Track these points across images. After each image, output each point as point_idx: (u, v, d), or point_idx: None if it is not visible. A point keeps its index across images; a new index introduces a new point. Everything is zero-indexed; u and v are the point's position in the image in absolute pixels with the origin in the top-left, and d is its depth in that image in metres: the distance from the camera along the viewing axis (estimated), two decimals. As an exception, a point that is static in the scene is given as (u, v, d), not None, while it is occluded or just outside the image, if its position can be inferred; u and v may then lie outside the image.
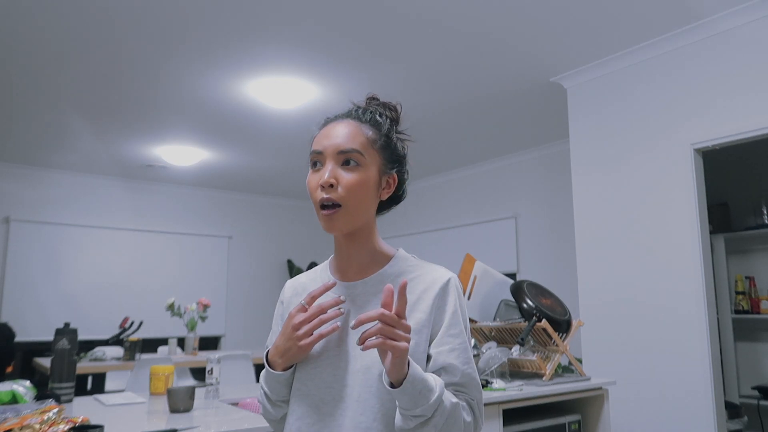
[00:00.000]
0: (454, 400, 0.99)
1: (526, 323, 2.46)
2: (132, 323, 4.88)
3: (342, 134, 1.06)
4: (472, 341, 2.78)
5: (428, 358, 1.04)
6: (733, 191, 4.32)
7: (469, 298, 2.70)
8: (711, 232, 3.89)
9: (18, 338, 5.50)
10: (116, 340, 4.78)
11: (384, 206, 1.14)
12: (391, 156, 1.11)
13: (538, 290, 2.63)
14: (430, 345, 1.04)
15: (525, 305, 2.50)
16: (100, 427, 1.45)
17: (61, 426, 1.41)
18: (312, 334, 1.01)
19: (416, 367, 0.93)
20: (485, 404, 2.12)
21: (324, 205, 1.04)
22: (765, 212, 4.05)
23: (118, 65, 3.63)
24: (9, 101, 4.24)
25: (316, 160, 1.07)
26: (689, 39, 3.16)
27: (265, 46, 3.35)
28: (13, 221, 5.92)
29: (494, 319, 2.73)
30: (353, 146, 1.05)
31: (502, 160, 5.71)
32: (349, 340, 1.05)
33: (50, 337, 2.36)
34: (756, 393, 3.94)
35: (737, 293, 4.12)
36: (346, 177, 1.03)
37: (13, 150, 5.48)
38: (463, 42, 3.30)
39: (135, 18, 3.04)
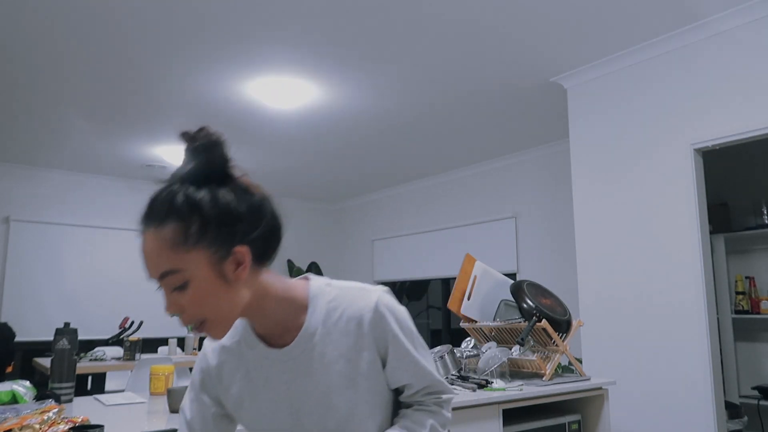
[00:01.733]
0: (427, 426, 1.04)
1: (526, 323, 2.46)
2: (132, 323, 4.87)
3: (148, 258, 0.85)
4: (471, 341, 2.78)
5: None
6: (733, 191, 4.32)
7: (469, 298, 2.70)
8: (711, 232, 3.89)
9: (18, 338, 5.50)
10: (116, 340, 4.78)
11: (262, 257, 0.93)
12: (222, 230, 0.86)
13: (538, 290, 2.63)
14: (384, 367, 1.03)
15: (525, 305, 2.50)
16: (100, 427, 1.45)
17: (61, 426, 1.41)
18: None
19: None
20: (485, 404, 2.13)
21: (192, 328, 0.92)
22: (765, 212, 4.04)
23: (118, 65, 3.63)
24: (9, 101, 4.24)
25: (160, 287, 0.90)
26: (689, 39, 3.16)
27: (265, 46, 3.35)
28: (13, 221, 5.92)
29: (494, 319, 2.73)
30: (168, 267, 0.84)
31: (502, 160, 5.71)
32: (302, 408, 1.00)
33: (50, 337, 2.36)
34: (756, 393, 3.94)
35: (737, 293, 4.12)
36: (184, 301, 0.86)
37: (13, 150, 5.48)
38: (463, 42, 3.30)
39: (135, 18, 3.04)
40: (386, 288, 1.05)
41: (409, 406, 1.08)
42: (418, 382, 1.04)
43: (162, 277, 0.85)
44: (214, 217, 0.85)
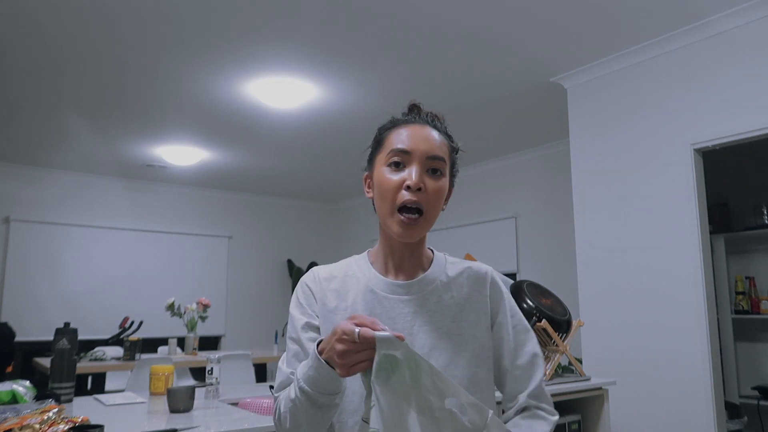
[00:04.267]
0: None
1: (526, 323, 2.46)
2: (132, 323, 4.88)
3: (431, 139, 1.06)
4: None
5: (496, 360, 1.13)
6: (733, 191, 4.32)
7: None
8: (711, 232, 3.89)
9: (18, 338, 5.50)
10: (116, 340, 4.78)
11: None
12: (455, 169, 1.14)
13: (538, 290, 2.63)
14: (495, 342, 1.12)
15: (525, 305, 2.50)
16: (100, 427, 1.45)
17: (61, 426, 1.41)
18: (353, 368, 0.87)
19: None
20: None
21: (408, 208, 1.02)
22: (765, 212, 4.04)
23: (118, 65, 3.63)
24: (9, 101, 4.24)
25: (400, 160, 1.05)
26: (689, 39, 3.16)
27: (265, 46, 3.35)
28: (13, 221, 5.92)
29: (494, 319, 2.72)
30: (441, 154, 1.06)
31: (502, 160, 5.71)
32: (415, 342, 1.04)
33: (50, 337, 2.36)
34: (756, 393, 3.94)
35: (737, 293, 4.12)
36: (433, 184, 1.04)
37: (13, 150, 5.48)
38: (463, 42, 3.30)
39: (135, 18, 3.04)
40: None
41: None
42: (518, 352, 1.11)
43: (435, 158, 1.05)
44: (456, 155, 1.14)
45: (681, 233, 3.12)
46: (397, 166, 1.04)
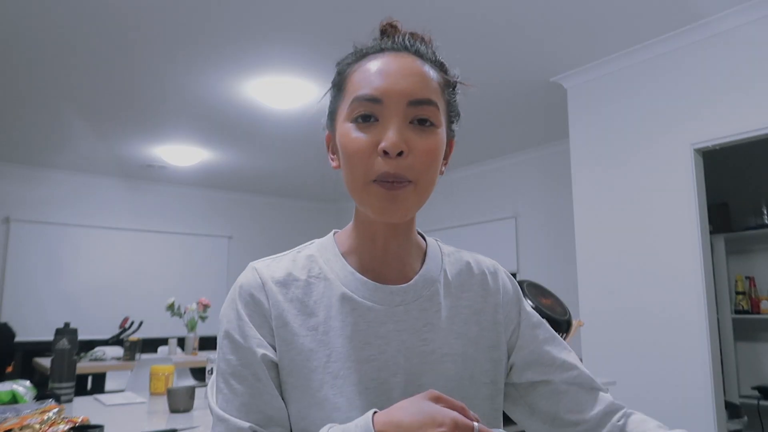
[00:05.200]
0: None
1: (526, 323, 2.45)
2: (132, 323, 4.88)
3: (413, 75, 0.73)
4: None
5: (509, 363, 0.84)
6: (733, 191, 4.31)
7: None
8: (711, 232, 3.89)
9: (18, 338, 5.50)
10: (116, 340, 4.78)
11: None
12: (453, 113, 0.80)
13: (538, 290, 2.63)
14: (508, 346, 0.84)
15: (525, 305, 2.49)
16: (100, 427, 1.45)
17: (61, 426, 1.41)
18: None
19: None
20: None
21: (385, 181, 0.70)
22: (765, 212, 4.04)
23: (118, 65, 3.62)
24: (9, 101, 4.24)
25: (368, 112, 0.71)
26: (689, 39, 3.16)
27: (265, 46, 3.35)
28: (13, 221, 5.92)
29: (494, 319, 2.72)
30: (430, 95, 0.73)
31: (502, 160, 5.71)
32: (422, 379, 0.76)
33: (50, 337, 2.36)
34: (756, 393, 3.94)
35: (737, 293, 4.12)
36: (421, 143, 0.71)
37: (13, 150, 5.48)
38: (463, 42, 3.30)
39: (135, 18, 3.04)
40: None
41: None
42: (566, 357, 0.84)
43: (420, 102, 0.71)
44: (454, 91, 0.80)
45: (681, 233, 3.12)
46: (366, 120, 0.71)
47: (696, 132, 3.12)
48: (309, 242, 0.85)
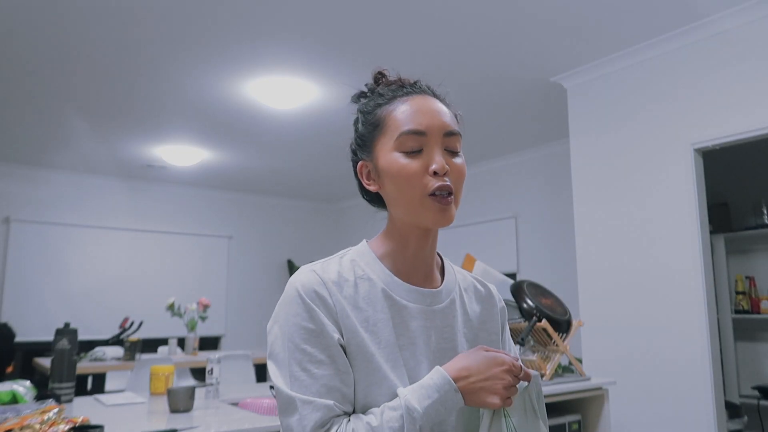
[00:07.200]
0: None
1: (526, 323, 2.46)
2: (132, 323, 4.88)
3: (442, 113, 0.92)
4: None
5: None
6: (733, 191, 4.32)
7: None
8: (711, 232, 3.89)
9: (18, 338, 5.51)
10: (116, 340, 4.78)
11: None
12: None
13: (538, 290, 2.63)
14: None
15: (525, 305, 2.50)
16: (100, 427, 1.45)
17: (61, 426, 1.41)
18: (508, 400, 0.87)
19: None
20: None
21: (441, 193, 0.89)
22: (765, 212, 4.04)
23: (118, 66, 3.63)
24: (10, 101, 4.24)
25: (416, 143, 0.89)
26: (689, 39, 3.16)
27: (265, 46, 3.35)
28: (13, 221, 5.92)
29: (494, 319, 2.72)
30: (456, 128, 0.93)
31: (502, 160, 5.71)
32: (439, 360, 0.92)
33: (50, 337, 2.36)
34: (756, 393, 3.94)
35: (737, 293, 4.12)
36: (455, 166, 0.91)
37: (14, 150, 5.48)
38: (464, 42, 3.30)
39: (135, 18, 3.04)
40: None
41: None
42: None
43: (453, 133, 0.92)
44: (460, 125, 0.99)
45: (681, 233, 3.12)
46: (413, 152, 0.89)
47: (696, 132, 3.12)
48: (344, 250, 0.99)
